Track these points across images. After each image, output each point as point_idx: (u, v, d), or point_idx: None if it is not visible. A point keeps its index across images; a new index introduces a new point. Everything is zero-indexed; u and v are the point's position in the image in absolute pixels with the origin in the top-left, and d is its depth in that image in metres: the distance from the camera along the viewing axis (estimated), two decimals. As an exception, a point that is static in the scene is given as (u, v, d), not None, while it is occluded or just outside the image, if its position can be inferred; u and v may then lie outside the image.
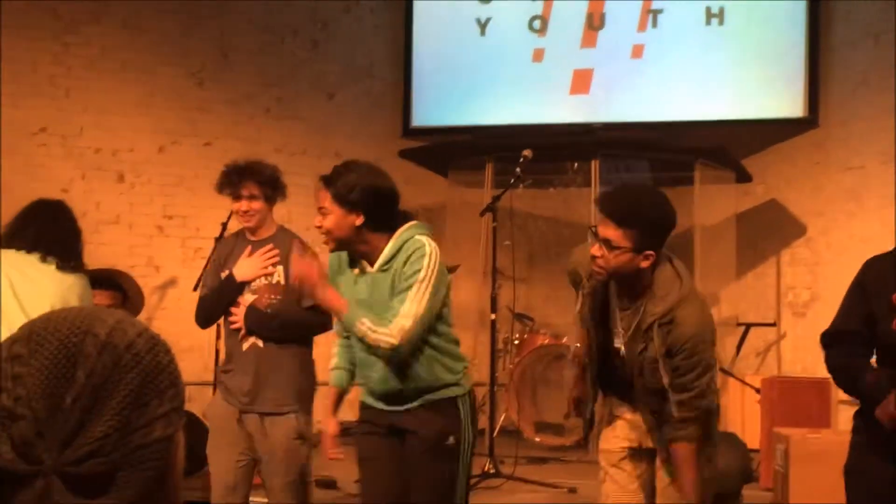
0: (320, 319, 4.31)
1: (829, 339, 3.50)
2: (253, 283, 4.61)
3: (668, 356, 3.59)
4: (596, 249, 3.60)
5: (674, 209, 3.70)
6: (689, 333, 3.58)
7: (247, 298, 4.59)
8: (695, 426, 3.61)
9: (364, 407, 4.04)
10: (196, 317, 4.92)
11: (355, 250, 3.86)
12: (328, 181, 3.84)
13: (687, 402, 3.59)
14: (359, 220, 3.74)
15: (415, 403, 3.82)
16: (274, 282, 4.61)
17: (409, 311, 3.65)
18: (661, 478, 3.82)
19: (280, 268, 4.62)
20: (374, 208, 3.74)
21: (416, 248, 3.76)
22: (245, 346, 4.58)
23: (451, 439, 3.76)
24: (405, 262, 3.73)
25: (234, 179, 4.88)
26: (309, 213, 8.85)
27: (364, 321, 3.65)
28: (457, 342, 4.03)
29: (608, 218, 3.57)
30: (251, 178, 4.83)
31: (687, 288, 3.66)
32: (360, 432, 4.03)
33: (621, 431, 3.88)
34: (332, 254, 4.07)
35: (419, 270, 3.68)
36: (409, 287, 3.67)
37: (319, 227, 3.88)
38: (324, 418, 4.13)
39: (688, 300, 3.64)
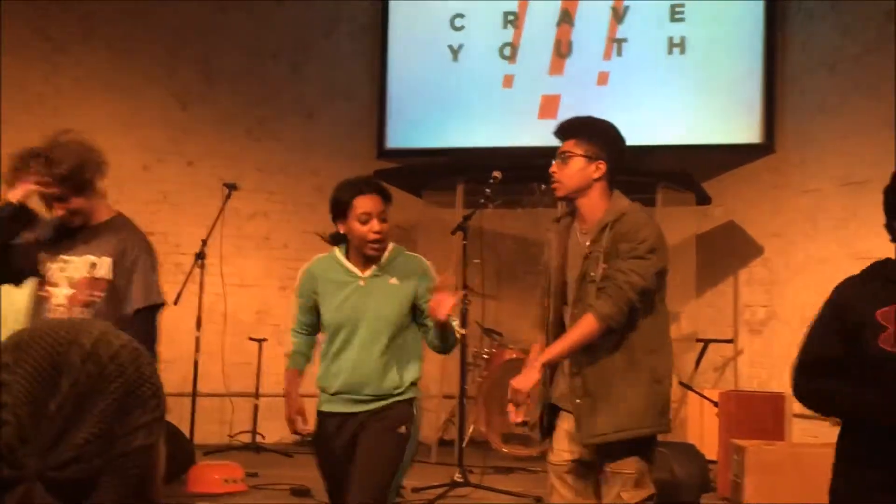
0: (147, 327, 3.94)
1: (810, 367, 3.27)
2: (76, 276, 3.92)
3: (615, 251, 3.61)
4: (553, 167, 3.76)
5: (617, 127, 3.90)
6: (634, 220, 3.66)
7: (60, 292, 3.92)
8: (609, 303, 3.53)
9: (325, 416, 4.09)
10: None
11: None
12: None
13: (614, 277, 3.56)
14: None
15: (384, 402, 3.97)
16: (97, 276, 3.94)
17: None
18: (607, 492, 3.74)
19: (107, 259, 3.95)
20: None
21: (424, 265, 4.20)
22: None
23: (403, 428, 3.93)
24: (418, 274, 4.11)
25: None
26: (288, 229, 8.89)
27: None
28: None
29: (561, 137, 3.81)
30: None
31: (637, 204, 3.80)
32: (325, 450, 4.08)
33: (564, 444, 3.79)
34: (312, 264, 4.21)
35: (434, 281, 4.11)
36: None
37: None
38: (290, 398, 4.14)
39: (638, 209, 3.75)
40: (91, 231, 4.02)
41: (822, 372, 3.18)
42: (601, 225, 3.66)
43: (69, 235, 4.00)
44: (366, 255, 4.00)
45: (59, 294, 3.92)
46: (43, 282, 3.97)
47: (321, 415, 4.12)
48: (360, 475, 3.93)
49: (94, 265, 3.94)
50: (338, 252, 4.09)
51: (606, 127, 3.89)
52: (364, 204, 3.95)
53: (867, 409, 3.06)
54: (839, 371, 3.14)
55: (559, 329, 3.83)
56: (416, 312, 4.12)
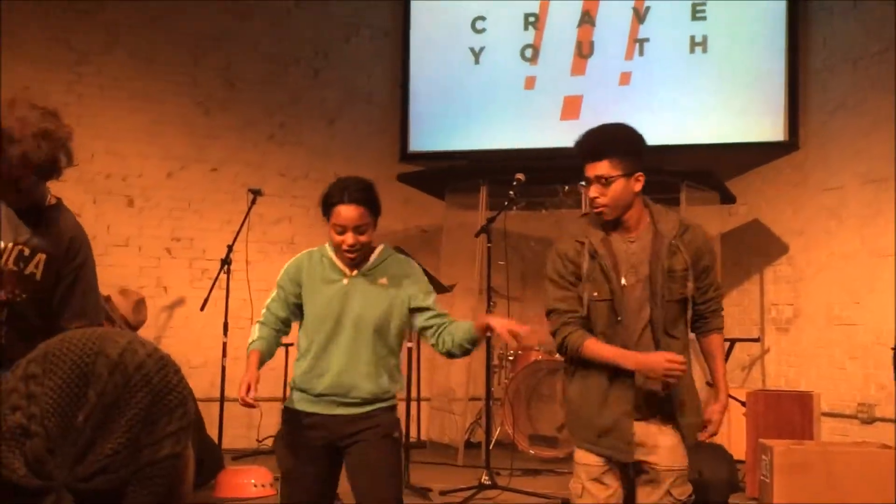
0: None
1: None
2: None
3: (696, 269, 3.70)
4: (593, 191, 3.66)
5: (635, 128, 3.82)
6: (704, 235, 3.80)
7: None
8: (722, 318, 3.86)
9: (298, 415, 4.03)
10: None
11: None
12: None
13: (717, 298, 3.84)
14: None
15: (372, 407, 3.92)
16: (26, 272, 3.23)
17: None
18: (645, 492, 3.73)
19: (41, 256, 3.25)
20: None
21: (414, 268, 4.11)
22: None
23: (396, 433, 3.93)
24: (409, 277, 4.03)
25: None
26: (312, 234, 8.90)
27: None
28: None
29: (591, 158, 3.67)
30: None
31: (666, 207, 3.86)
32: (290, 451, 4.01)
33: None
34: (298, 258, 4.18)
35: (429, 284, 4.09)
36: (430, 291, 4.05)
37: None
38: (248, 371, 3.96)
39: (686, 217, 3.88)
40: (25, 216, 3.28)
41: None
42: (668, 238, 3.66)
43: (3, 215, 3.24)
44: None
45: None
46: None
47: (292, 412, 4.04)
48: (372, 489, 3.91)
49: (24, 258, 3.23)
50: (328, 247, 4.02)
51: (630, 135, 3.78)
52: (340, 214, 3.87)
53: None
54: None
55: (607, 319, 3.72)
56: (414, 315, 4.04)
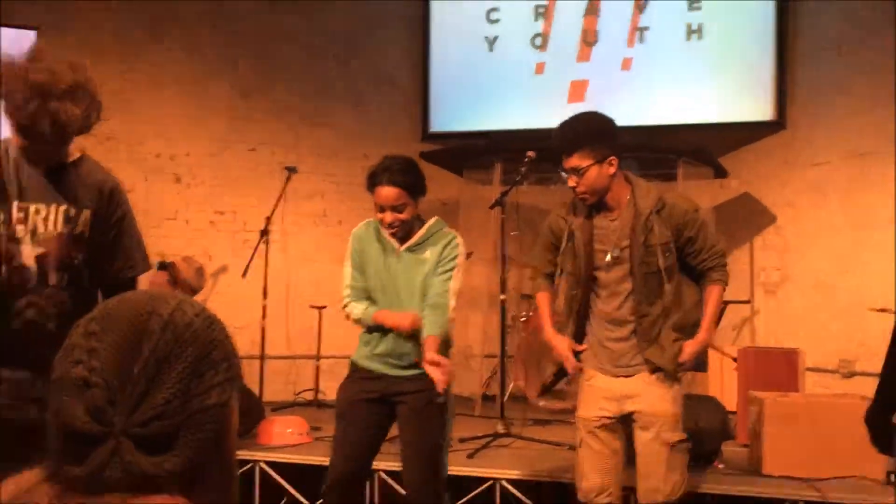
0: None
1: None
2: (39, 232, 2.84)
3: (676, 239, 3.69)
4: (571, 181, 3.72)
5: (604, 114, 3.82)
6: (684, 208, 3.74)
7: (26, 251, 2.81)
8: (724, 271, 3.84)
9: (359, 369, 4.04)
10: None
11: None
12: None
13: (712, 256, 3.80)
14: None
15: (421, 370, 3.86)
16: (77, 232, 2.92)
17: (454, 289, 3.92)
18: (639, 437, 3.78)
19: (86, 213, 2.94)
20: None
21: (450, 238, 4.00)
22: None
23: (442, 398, 3.82)
24: (444, 248, 3.94)
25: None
26: (342, 208, 8.90)
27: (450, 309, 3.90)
28: None
29: (564, 153, 3.74)
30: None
31: (662, 186, 3.84)
32: (348, 395, 4.02)
33: (599, 403, 3.81)
34: (359, 228, 4.12)
35: (456, 257, 3.93)
36: (451, 269, 3.93)
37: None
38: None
39: (667, 190, 3.81)
40: (58, 174, 2.94)
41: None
42: (644, 215, 3.65)
43: (28, 175, 2.90)
44: None
45: (24, 254, 2.84)
46: None
47: (355, 365, 4.07)
48: (413, 459, 3.93)
49: (70, 218, 2.92)
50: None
51: (595, 125, 3.77)
52: (380, 195, 3.86)
53: None
54: None
55: (584, 315, 3.84)
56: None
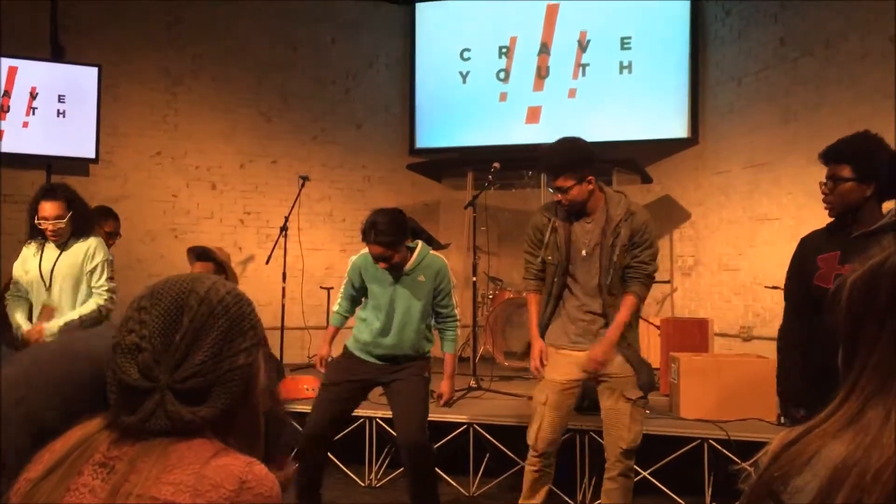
0: None
1: (783, 342, 3.09)
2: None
3: (631, 243, 3.62)
4: (559, 198, 3.63)
5: (583, 141, 3.71)
6: (643, 219, 3.67)
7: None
8: (642, 286, 3.66)
9: (349, 356, 4.04)
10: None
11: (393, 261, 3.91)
12: None
13: (640, 268, 3.65)
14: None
15: (412, 362, 3.97)
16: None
17: (455, 301, 4.10)
18: (606, 396, 3.72)
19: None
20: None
21: (441, 264, 4.03)
22: None
23: (427, 374, 3.95)
24: (438, 275, 3.97)
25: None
26: (345, 208, 8.85)
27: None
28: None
29: (551, 175, 3.65)
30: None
31: (630, 198, 3.74)
32: (334, 374, 4.01)
33: (569, 367, 3.73)
34: (358, 258, 4.06)
35: (450, 281, 4.07)
36: (450, 292, 4.06)
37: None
38: (322, 346, 4.08)
39: (634, 203, 3.72)
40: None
41: (791, 341, 3.06)
42: (614, 222, 3.61)
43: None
44: None
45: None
46: None
47: (349, 352, 4.04)
48: (406, 415, 3.91)
49: None
50: None
51: (577, 151, 3.66)
52: (371, 251, 3.83)
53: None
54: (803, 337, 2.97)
55: (559, 297, 3.77)
56: (434, 308, 4.02)
